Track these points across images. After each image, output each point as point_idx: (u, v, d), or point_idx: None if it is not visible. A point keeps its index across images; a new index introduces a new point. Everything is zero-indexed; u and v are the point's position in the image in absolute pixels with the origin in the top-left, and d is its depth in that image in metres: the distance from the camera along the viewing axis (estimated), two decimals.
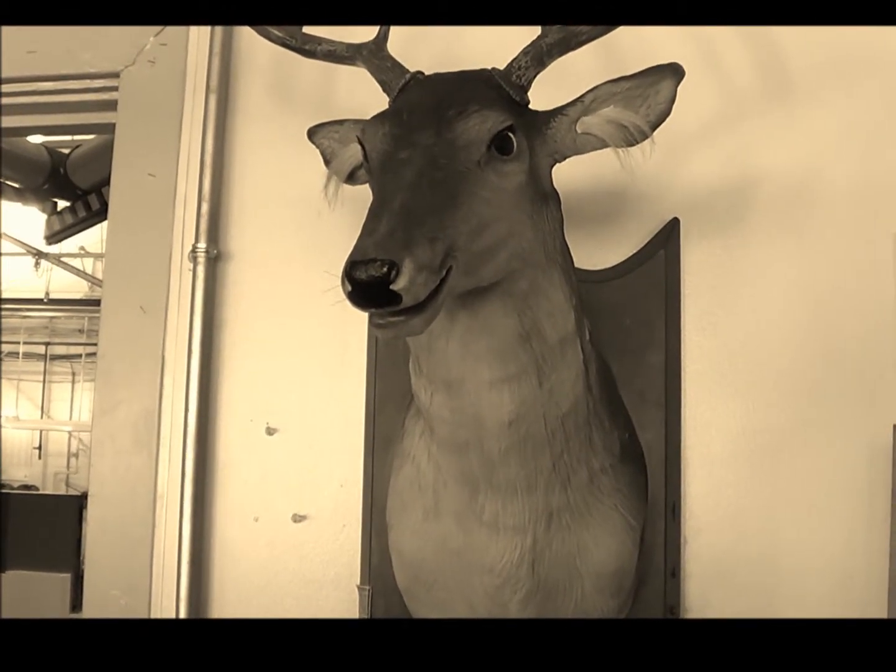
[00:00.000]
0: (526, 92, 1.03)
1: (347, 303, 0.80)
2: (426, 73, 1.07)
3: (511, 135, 0.94)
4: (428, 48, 1.47)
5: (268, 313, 1.64)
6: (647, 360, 1.44)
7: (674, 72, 1.00)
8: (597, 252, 1.48)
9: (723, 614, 1.41)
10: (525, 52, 1.03)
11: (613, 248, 1.49)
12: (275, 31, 1.20)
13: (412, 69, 1.08)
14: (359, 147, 1.01)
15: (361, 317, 1.53)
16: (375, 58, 1.11)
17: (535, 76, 1.04)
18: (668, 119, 1.01)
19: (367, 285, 0.77)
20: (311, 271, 1.60)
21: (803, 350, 1.45)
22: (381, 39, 1.13)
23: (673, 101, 1.00)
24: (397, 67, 1.09)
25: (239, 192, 1.69)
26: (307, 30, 1.20)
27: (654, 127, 1.00)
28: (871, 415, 1.40)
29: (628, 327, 1.45)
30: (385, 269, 0.76)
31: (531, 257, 0.98)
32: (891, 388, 1.41)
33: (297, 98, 1.66)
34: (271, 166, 1.67)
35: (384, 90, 1.08)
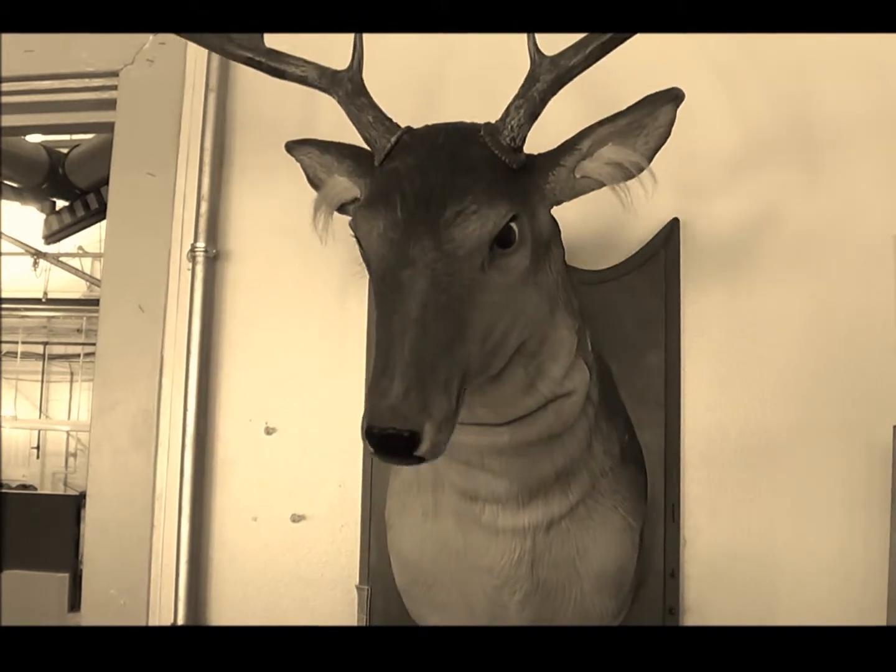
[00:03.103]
0: (521, 151, 0.96)
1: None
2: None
3: (513, 224, 0.89)
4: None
5: (267, 313, 1.64)
6: (646, 361, 1.44)
7: (672, 98, 0.95)
8: (597, 252, 1.48)
9: (722, 615, 1.41)
10: (517, 107, 0.94)
11: (613, 248, 1.49)
12: (240, 50, 1.08)
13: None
14: (349, 183, 1.01)
15: (360, 316, 1.54)
16: (354, 104, 1.00)
17: (529, 130, 0.96)
18: None
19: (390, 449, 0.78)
20: (310, 270, 1.60)
21: (803, 350, 1.45)
22: (357, 71, 1.02)
23: (672, 124, 0.95)
24: (379, 121, 0.98)
25: (238, 192, 1.69)
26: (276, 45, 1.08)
27: (654, 152, 0.97)
28: (871, 416, 1.40)
29: (628, 328, 1.45)
30: (406, 437, 0.77)
31: (537, 316, 0.96)
32: (890, 389, 1.41)
33: (295, 97, 1.65)
34: (270, 165, 1.67)
35: (369, 146, 1.00)
